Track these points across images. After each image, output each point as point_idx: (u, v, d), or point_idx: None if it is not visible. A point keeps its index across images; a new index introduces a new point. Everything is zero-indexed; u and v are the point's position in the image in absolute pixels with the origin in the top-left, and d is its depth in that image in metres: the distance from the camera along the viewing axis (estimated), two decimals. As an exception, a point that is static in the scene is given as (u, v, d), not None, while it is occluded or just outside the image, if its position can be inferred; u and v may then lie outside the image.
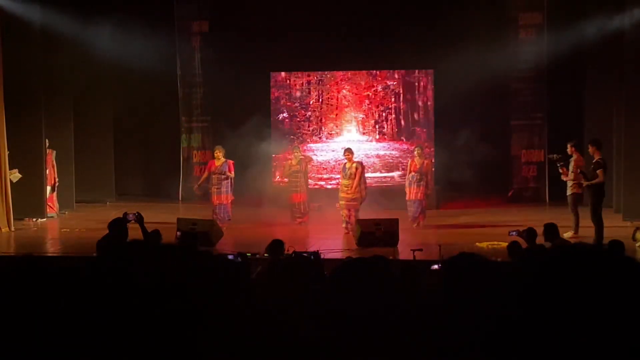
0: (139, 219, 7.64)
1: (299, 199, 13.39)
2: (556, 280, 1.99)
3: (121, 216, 7.62)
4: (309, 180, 14.46)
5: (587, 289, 1.93)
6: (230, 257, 6.40)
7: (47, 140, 13.96)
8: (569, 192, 11.53)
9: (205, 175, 13.13)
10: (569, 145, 11.48)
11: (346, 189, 12.52)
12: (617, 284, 1.93)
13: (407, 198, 12.99)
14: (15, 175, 13.17)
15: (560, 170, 11.49)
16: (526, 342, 1.94)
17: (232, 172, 12.85)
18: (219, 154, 12.88)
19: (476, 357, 2.06)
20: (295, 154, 13.63)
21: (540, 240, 8.18)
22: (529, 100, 16.27)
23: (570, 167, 11.36)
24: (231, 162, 12.94)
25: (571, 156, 11.45)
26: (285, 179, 13.97)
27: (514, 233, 8.80)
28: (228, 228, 12.25)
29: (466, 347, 2.07)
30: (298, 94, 16.91)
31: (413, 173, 12.94)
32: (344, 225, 12.47)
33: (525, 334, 1.95)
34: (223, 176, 12.72)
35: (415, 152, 13.26)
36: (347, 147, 13.31)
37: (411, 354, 2.24)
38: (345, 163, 12.76)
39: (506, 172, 16.55)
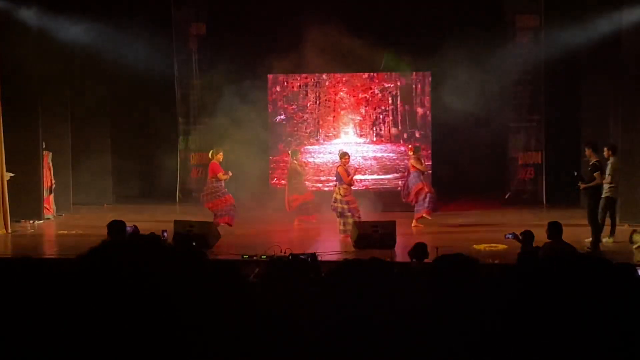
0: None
1: (308, 198, 13.87)
2: (540, 287, 2.03)
3: (120, 220, 7.65)
4: (306, 182, 14.57)
5: (570, 296, 1.97)
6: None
7: (43, 142, 13.95)
8: (603, 195, 11.14)
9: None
10: (605, 149, 11.34)
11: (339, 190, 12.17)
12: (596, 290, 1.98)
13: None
14: (7, 174, 13.10)
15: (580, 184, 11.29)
16: (510, 342, 1.95)
17: (217, 173, 12.54)
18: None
19: (466, 357, 2.07)
20: (295, 155, 14.03)
21: (544, 237, 8.15)
22: (526, 102, 16.29)
23: (608, 170, 11.17)
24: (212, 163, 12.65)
25: (608, 159, 11.28)
26: (284, 181, 14.18)
27: (510, 236, 8.78)
28: (227, 230, 12.27)
29: (455, 348, 2.08)
30: (295, 96, 16.90)
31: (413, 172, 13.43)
32: (342, 227, 12.07)
33: (509, 335, 1.96)
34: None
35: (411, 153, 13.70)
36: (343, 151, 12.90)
37: (408, 354, 2.25)
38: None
39: (503, 174, 16.56)
